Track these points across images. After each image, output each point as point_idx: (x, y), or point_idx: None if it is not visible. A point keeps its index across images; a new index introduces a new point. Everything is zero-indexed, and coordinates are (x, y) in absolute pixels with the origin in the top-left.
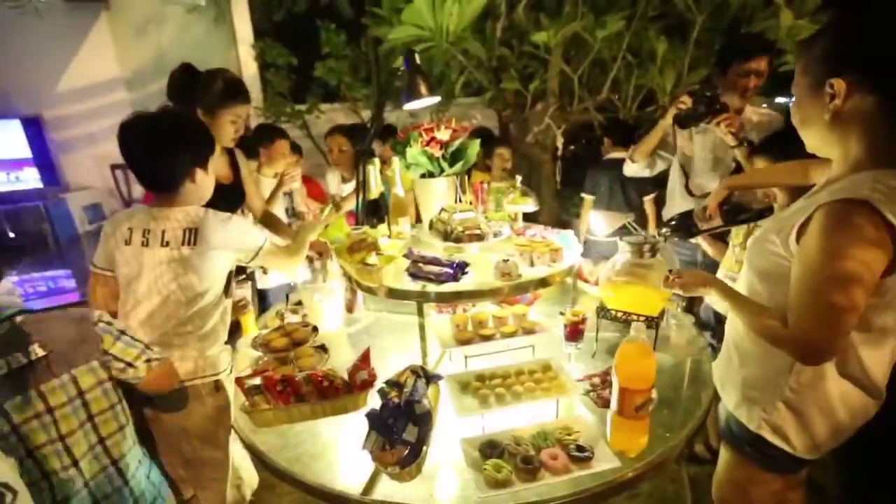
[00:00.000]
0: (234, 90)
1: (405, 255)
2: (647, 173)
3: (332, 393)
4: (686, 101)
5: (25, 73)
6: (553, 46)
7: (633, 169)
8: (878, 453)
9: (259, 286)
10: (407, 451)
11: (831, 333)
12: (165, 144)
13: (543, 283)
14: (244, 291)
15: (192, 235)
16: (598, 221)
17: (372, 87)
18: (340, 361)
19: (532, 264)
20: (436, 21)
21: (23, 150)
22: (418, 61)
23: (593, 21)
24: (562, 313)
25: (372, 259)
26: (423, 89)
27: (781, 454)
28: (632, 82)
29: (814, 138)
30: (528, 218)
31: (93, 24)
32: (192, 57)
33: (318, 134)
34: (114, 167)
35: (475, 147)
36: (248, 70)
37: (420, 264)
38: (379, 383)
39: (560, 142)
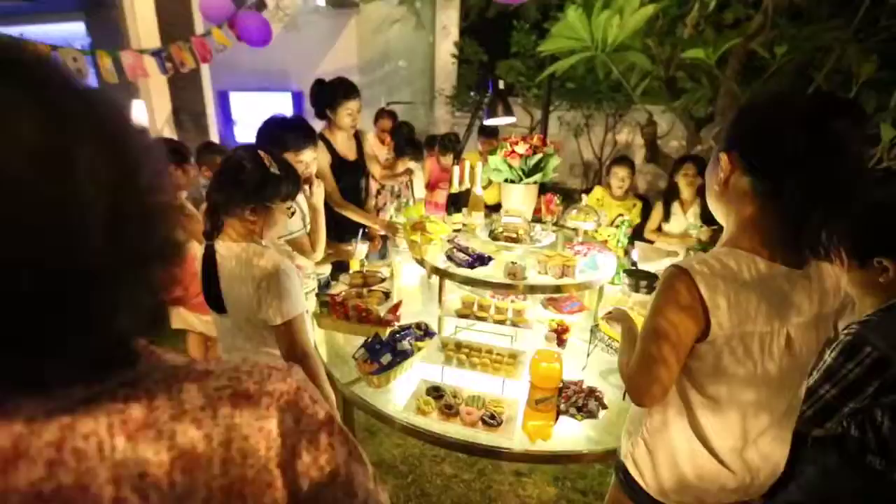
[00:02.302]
0: (346, 91)
1: (449, 241)
2: None
3: (366, 320)
4: None
5: (299, 59)
6: (713, 62)
7: None
8: None
9: None
10: (377, 368)
11: (645, 380)
12: None
13: (557, 290)
14: (362, 246)
15: None
16: (642, 250)
17: (543, 88)
18: (407, 309)
19: (545, 272)
20: (591, 33)
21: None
22: (501, 86)
23: (787, 32)
24: (553, 321)
25: (417, 237)
26: (500, 111)
27: (639, 487)
28: None
29: (710, 204)
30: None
31: (346, 24)
32: (404, 49)
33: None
34: None
35: (553, 162)
36: (441, 61)
37: (455, 250)
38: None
39: None
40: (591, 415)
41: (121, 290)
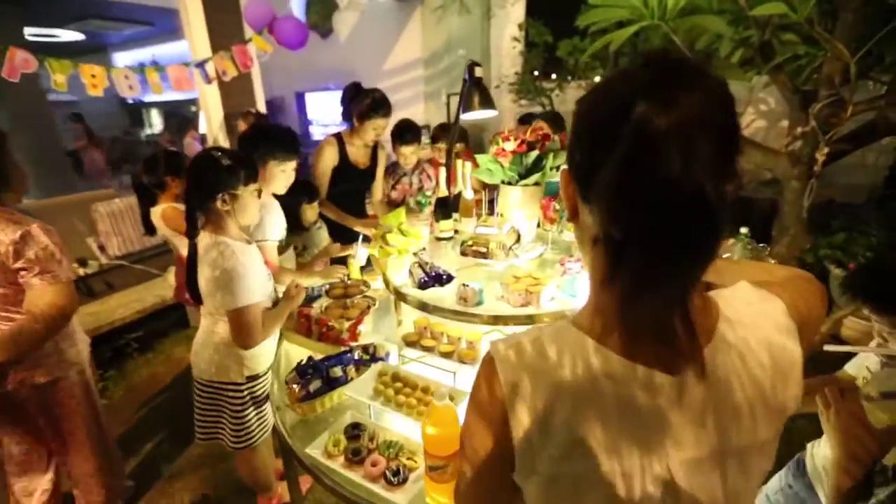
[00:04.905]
0: (376, 106)
1: (415, 254)
2: None
3: (325, 337)
4: None
5: (366, 55)
6: (802, 18)
7: None
8: None
9: None
10: (303, 395)
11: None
12: None
13: (530, 320)
14: (362, 251)
15: None
16: None
17: (608, 69)
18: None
19: (504, 298)
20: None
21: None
22: (478, 74)
23: None
24: None
25: (375, 251)
26: (477, 103)
27: None
28: None
29: None
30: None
31: (410, 17)
32: (465, 39)
33: (566, 111)
34: None
35: (554, 161)
36: (503, 46)
37: (418, 265)
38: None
39: (823, 153)
40: None
41: None
